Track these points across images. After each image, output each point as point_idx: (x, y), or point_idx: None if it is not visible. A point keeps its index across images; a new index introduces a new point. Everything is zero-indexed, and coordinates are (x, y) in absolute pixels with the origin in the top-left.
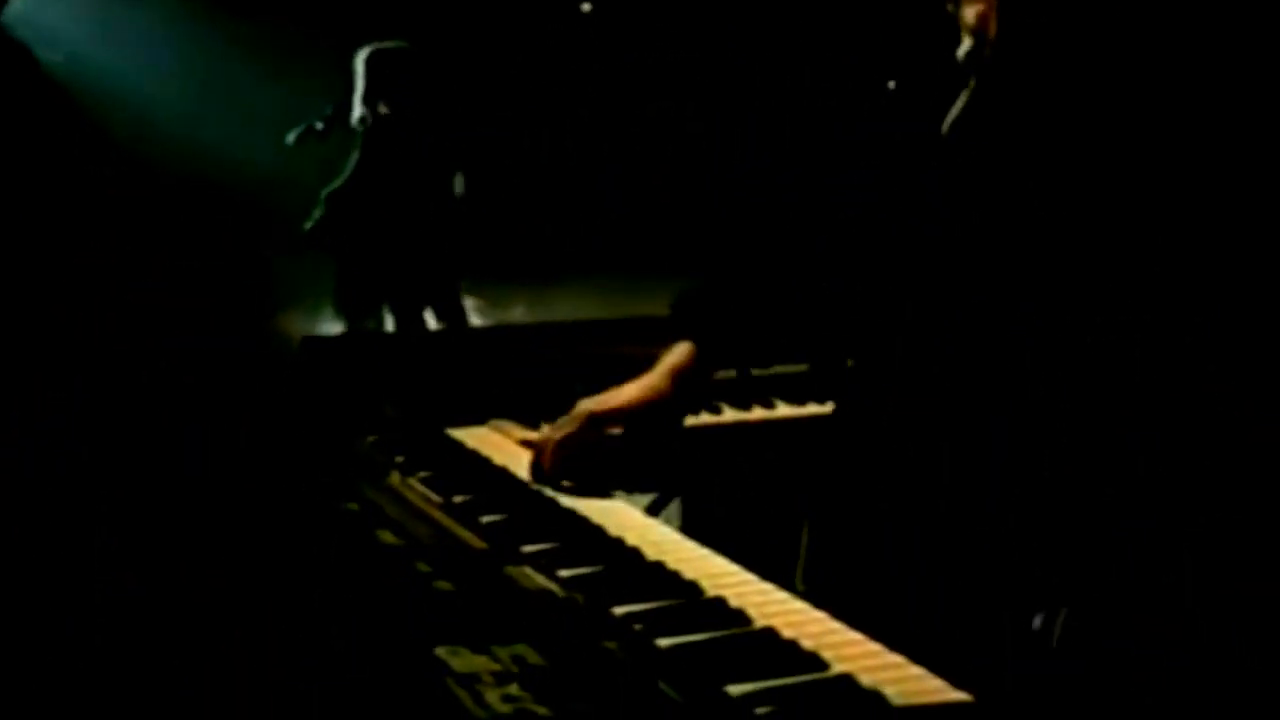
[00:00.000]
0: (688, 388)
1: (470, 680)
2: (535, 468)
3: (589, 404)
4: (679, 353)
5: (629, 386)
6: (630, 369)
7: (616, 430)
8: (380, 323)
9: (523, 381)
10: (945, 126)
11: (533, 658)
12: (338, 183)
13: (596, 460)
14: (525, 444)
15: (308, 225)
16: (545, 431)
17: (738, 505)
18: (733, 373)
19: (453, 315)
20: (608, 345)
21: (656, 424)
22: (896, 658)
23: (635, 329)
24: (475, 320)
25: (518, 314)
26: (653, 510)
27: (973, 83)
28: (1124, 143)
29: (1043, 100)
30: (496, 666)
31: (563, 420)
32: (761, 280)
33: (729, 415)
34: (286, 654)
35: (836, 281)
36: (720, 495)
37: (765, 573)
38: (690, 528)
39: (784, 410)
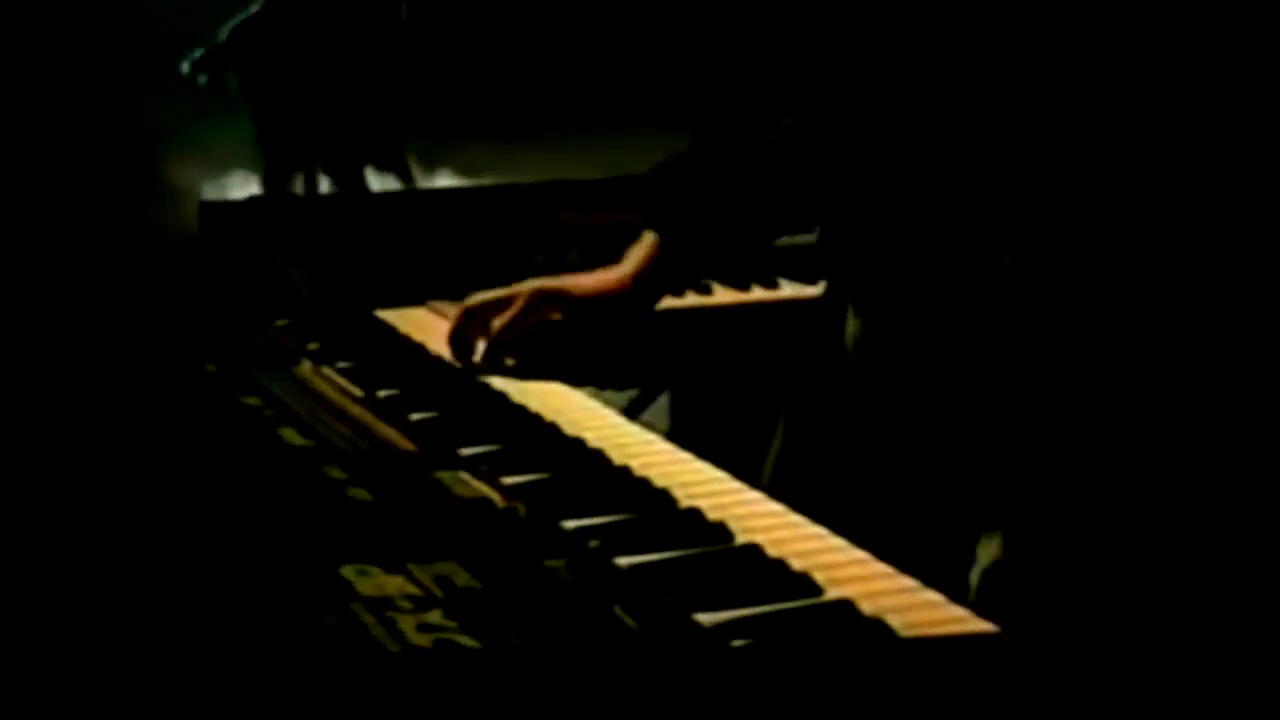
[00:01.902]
0: (649, 288)
1: (381, 605)
2: (458, 342)
3: (536, 282)
4: (643, 247)
5: (585, 276)
6: (605, 243)
7: (558, 317)
8: (314, 185)
9: (471, 256)
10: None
11: (461, 579)
12: (255, 6)
13: (549, 347)
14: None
15: (184, 67)
16: (476, 300)
17: (735, 404)
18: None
19: (396, 174)
20: (576, 213)
21: (607, 321)
22: (908, 581)
23: (610, 192)
24: (424, 183)
25: (475, 177)
26: (632, 410)
27: None
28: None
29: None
30: (415, 590)
31: (499, 295)
32: (736, 158)
33: (722, 296)
34: (162, 573)
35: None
36: (715, 392)
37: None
38: (680, 431)
39: (789, 290)
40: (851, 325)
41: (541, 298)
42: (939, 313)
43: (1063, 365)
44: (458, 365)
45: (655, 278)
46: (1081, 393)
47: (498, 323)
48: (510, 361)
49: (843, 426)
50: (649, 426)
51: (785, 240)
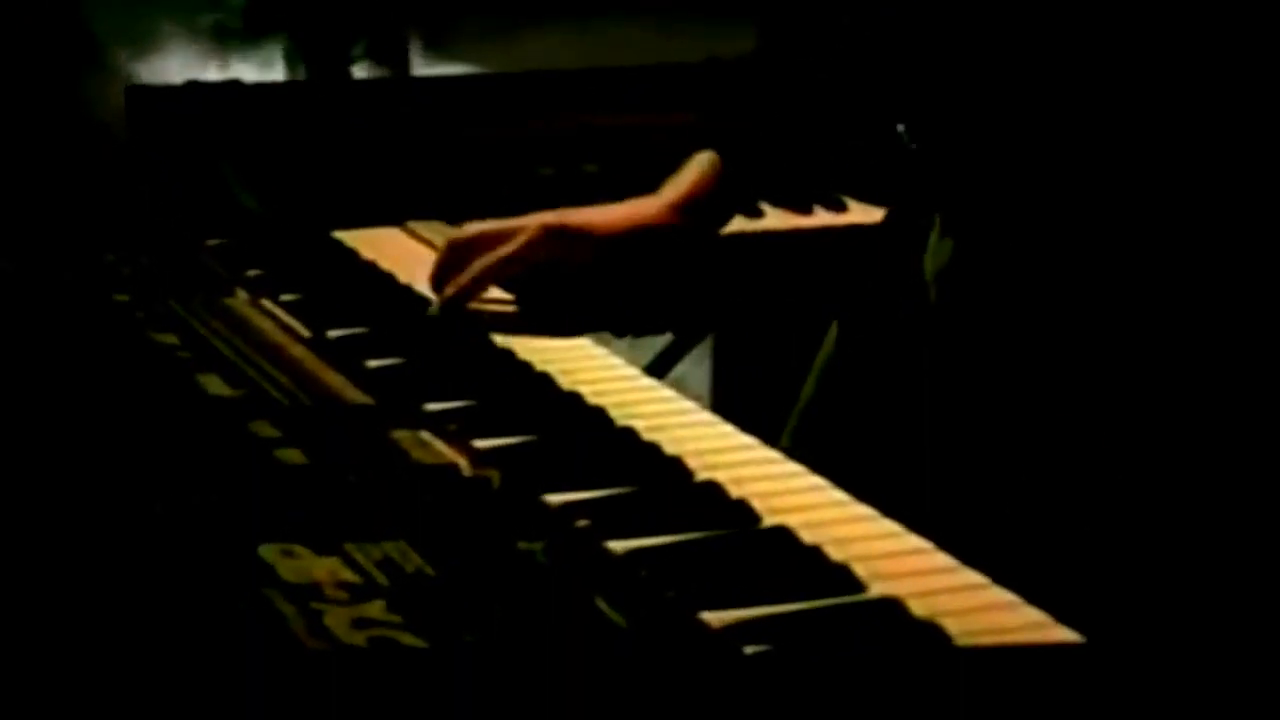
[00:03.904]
0: (700, 223)
1: (306, 594)
2: (442, 278)
3: (548, 216)
4: (695, 170)
5: (612, 208)
6: (631, 153)
7: (576, 260)
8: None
9: (461, 166)
10: None
11: (412, 563)
12: None
13: (561, 296)
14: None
15: None
16: (470, 231)
17: (787, 354)
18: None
19: (389, 58)
20: (595, 112)
21: (643, 261)
22: (974, 577)
23: (639, 86)
24: (423, 70)
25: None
26: (665, 361)
27: None
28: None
29: None
30: (352, 576)
31: (499, 226)
32: (816, 60)
33: (776, 220)
34: (38, 551)
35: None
36: (764, 340)
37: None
38: (725, 387)
39: (858, 213)
40: (934, 255)
41: (554, 236)
42: (1061, 244)
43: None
44: (436, 307)
45: (711, 210)
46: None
47: (493, 256)
48: (504, 304)
49: (910, 380)
50: (683, 388)
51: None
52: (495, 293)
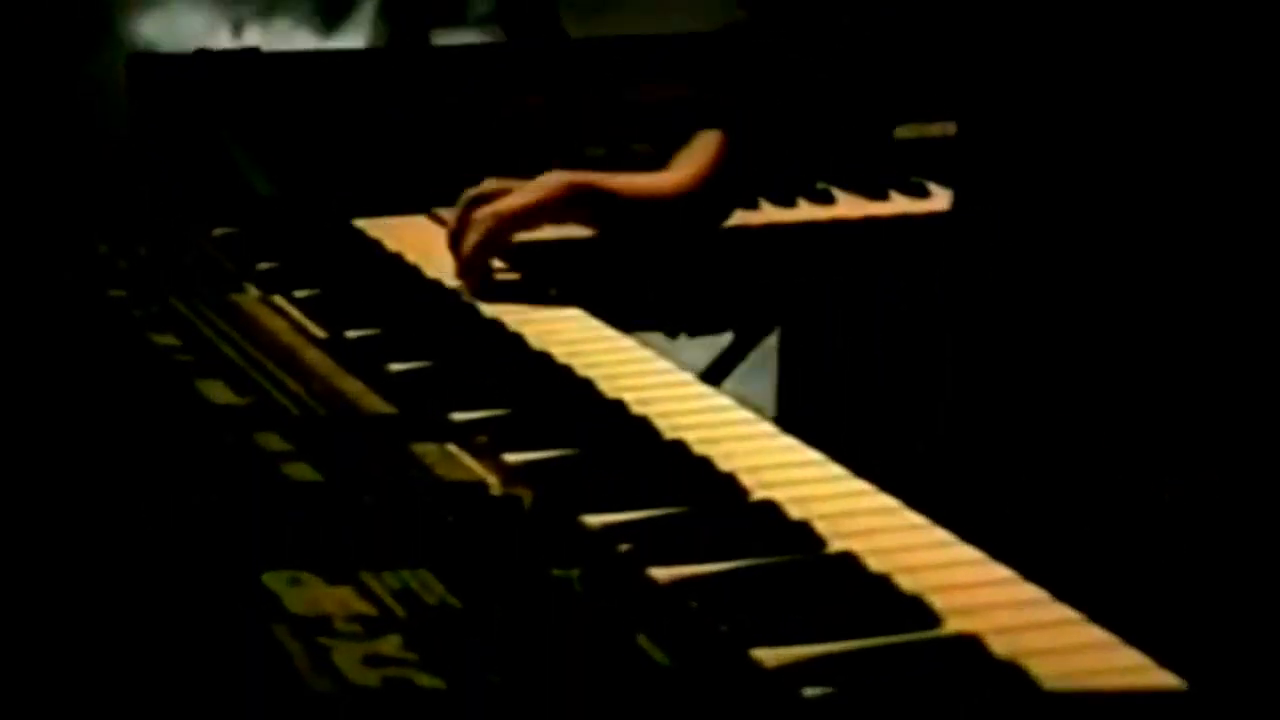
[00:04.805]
0: (719, 195)
1: (315, 627)
2: (459, 237)
3: (572, 175)
4: (704, 147)
5: (638, 176)
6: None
7: (604, 223)
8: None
9: (500, 147)
10: None
11: (434, 594)
12: None
13: (598, 282)
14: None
15: None
16: (486, 186)
17: (859, 355)
18: None
19: (524, 18)
20: (659, 83)
21: (667, 227)
22: (1063, 611)
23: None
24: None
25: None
26: (722, 365)
27: None
28: None
29: None
30: (367, 608)
31: (518, 185)
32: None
33: (848, 207)
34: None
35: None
36: (837, 340)
37: (890, 473)
38: (790, 395)
39: (940, 200)
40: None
41: (580, 194)
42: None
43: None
44: (465, 300)
45: (727, 183)
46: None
47: (515, 203)
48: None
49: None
50: (742, 398)
51: (914, 131)
52: (534, 289)
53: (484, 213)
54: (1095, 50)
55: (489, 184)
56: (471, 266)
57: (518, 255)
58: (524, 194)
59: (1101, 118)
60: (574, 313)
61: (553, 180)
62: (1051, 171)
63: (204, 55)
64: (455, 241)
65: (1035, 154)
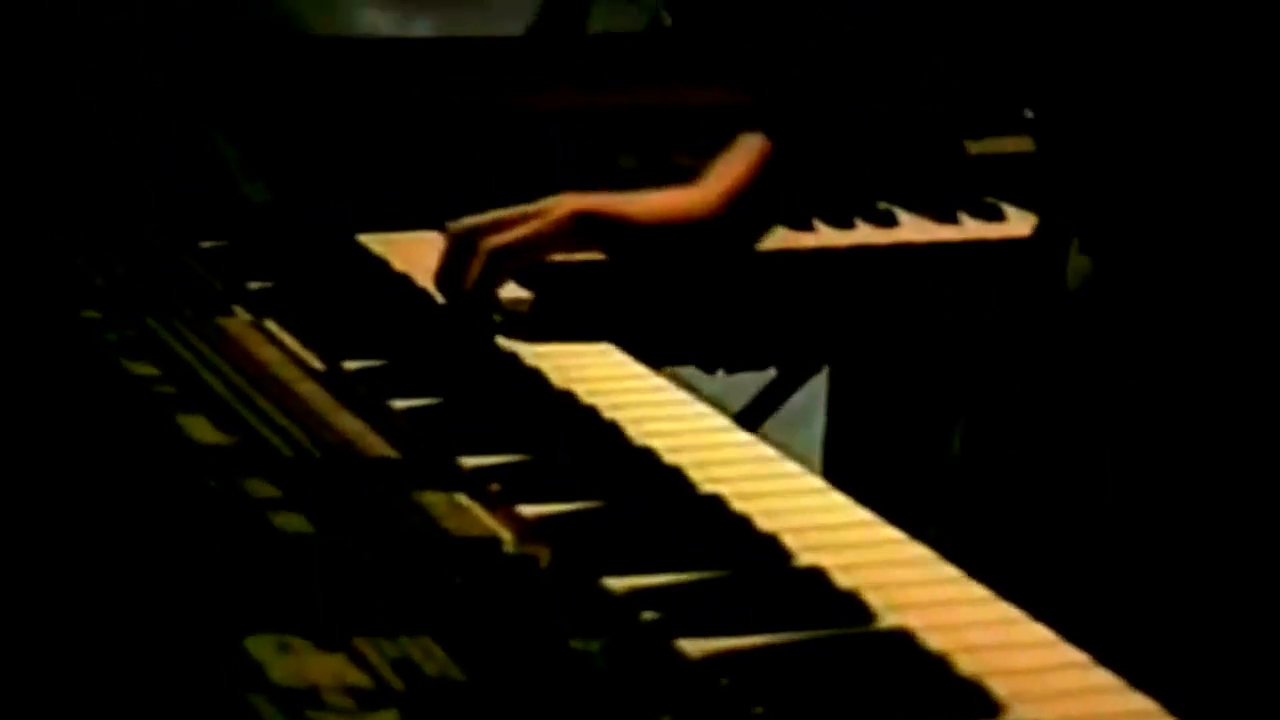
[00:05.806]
0: (749, 215)
1: (302, 700)
2: (449, 278)
3: (576, 200)
4: (746, 152)
5: (648, 195)
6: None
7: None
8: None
9: (522, 149)
10: None
11: (435, 664)
12: None
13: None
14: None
15: None
16: (483, 218)
17: (920, 401)
18: None
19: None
20: (693, 84)
21: (680, 259)
22: (1106, 676)
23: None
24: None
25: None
26: (763, 406)
27: None
28: None
29: None
30: (360, 678)
31: (516, 212)
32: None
33: (912, 231)
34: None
35: None
36: (890, 382)
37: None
38: (840, 443)
39: (1017, 224)
40: (1074, 269)
41: (585, 223)
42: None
43: None
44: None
45: (760, 201)
46: None
47: (511, 236)
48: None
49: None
50: (786, 446)
51: (989, 145)
52: (555, 321)
53: (485, 245)
54: (1198, 47)
55: (486, 216)
56: (473, 305)
57: (535, 279)
58: (526, 225)
59: (1202, 129)
60: (600, 346)
61: (557, 208)
62: (1155, 194)
63: (191, 41)
64: (444, 279)
65: (1129, 174)
